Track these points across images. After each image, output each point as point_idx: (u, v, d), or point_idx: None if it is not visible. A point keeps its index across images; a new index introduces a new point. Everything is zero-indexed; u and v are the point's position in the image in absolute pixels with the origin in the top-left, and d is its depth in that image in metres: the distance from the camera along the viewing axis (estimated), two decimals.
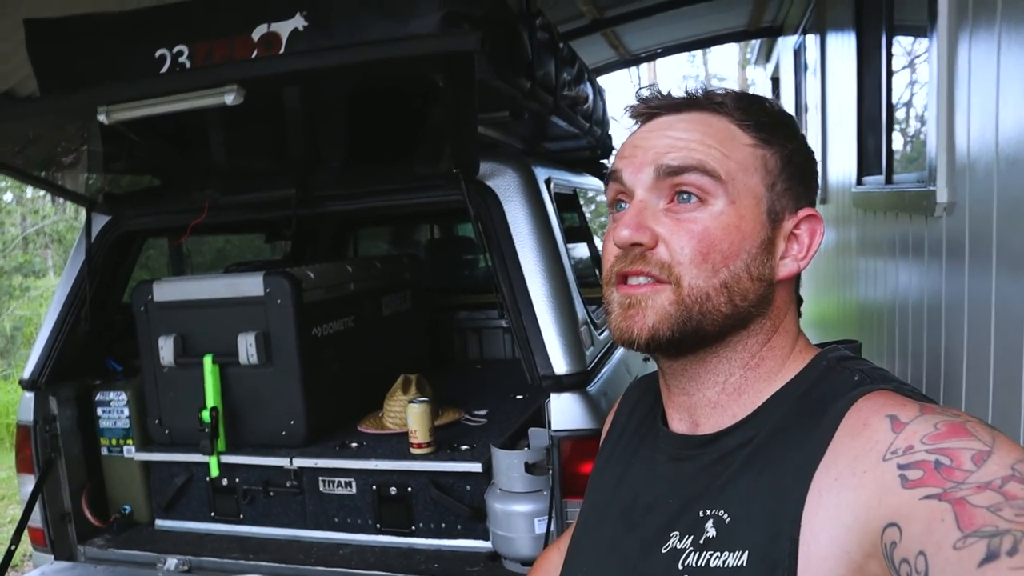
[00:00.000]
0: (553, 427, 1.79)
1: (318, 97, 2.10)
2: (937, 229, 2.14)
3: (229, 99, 1.63)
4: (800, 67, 5.54)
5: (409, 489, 2.08)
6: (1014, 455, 0.56)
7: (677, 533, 0.72)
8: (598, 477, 0.92)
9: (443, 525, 2.07)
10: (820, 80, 4.42)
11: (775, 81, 7.61)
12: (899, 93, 2.80)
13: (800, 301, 0.83)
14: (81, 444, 2.36)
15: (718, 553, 0.67)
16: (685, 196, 0.73)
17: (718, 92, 0.78)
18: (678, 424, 0.81)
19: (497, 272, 1.89)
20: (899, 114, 2.83)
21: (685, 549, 0.70)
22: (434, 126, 1.97)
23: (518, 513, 1.87)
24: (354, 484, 2.14)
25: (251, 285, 2.21)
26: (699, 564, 0.68)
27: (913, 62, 2.63)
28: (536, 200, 1.98)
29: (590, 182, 3.32)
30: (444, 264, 3.96)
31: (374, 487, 2.12)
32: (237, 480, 2.26)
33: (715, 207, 0.72)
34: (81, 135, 2.14)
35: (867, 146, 3.19)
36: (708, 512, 0.70)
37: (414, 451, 2.07)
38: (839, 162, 3.91)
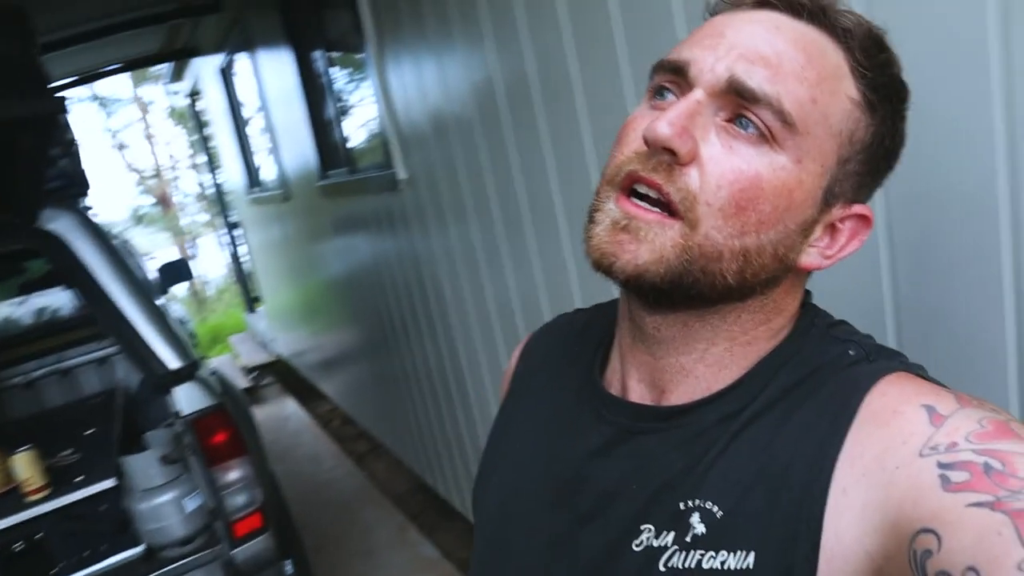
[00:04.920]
0: (186, 411, 2.09)
1: None
2: (400, 201, 2.95)
3: None
4: (230, 83, 6.05)
5: (39, 536, 2.09)
6: None
7: (651, 527, 0.61)
8: (503, 445, 0.80)
9: (86, 553, 2.15)
10: (259, 93, 4.95)
11: (194, 96, 7.94)
12: (347, 99, 3.58)
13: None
14: None
15: (712, 553, 0.57)
16: (746, 122, 0.57)
17: (850, 15, 0.60)
18: (636, 386, 0.68)
19: (88, 301, 2.05)
20: (351, 114, 3.60)
21: (666, 547, 0.60)
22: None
23: (165, 502, 2.11)
24: None
25: None
26: (687, 565, 0.58)
27: (354, 72, 3.42)
28: (95, 232, 2.17)
29: None
30: None
31: None
32: None
33: (777, 156, 0.57)
34: None
35: (327, 146, 3.90)
36: (691, 503, 0.60)
37: (33, 498, 2.08)
38: (295, 162, 4.55)
